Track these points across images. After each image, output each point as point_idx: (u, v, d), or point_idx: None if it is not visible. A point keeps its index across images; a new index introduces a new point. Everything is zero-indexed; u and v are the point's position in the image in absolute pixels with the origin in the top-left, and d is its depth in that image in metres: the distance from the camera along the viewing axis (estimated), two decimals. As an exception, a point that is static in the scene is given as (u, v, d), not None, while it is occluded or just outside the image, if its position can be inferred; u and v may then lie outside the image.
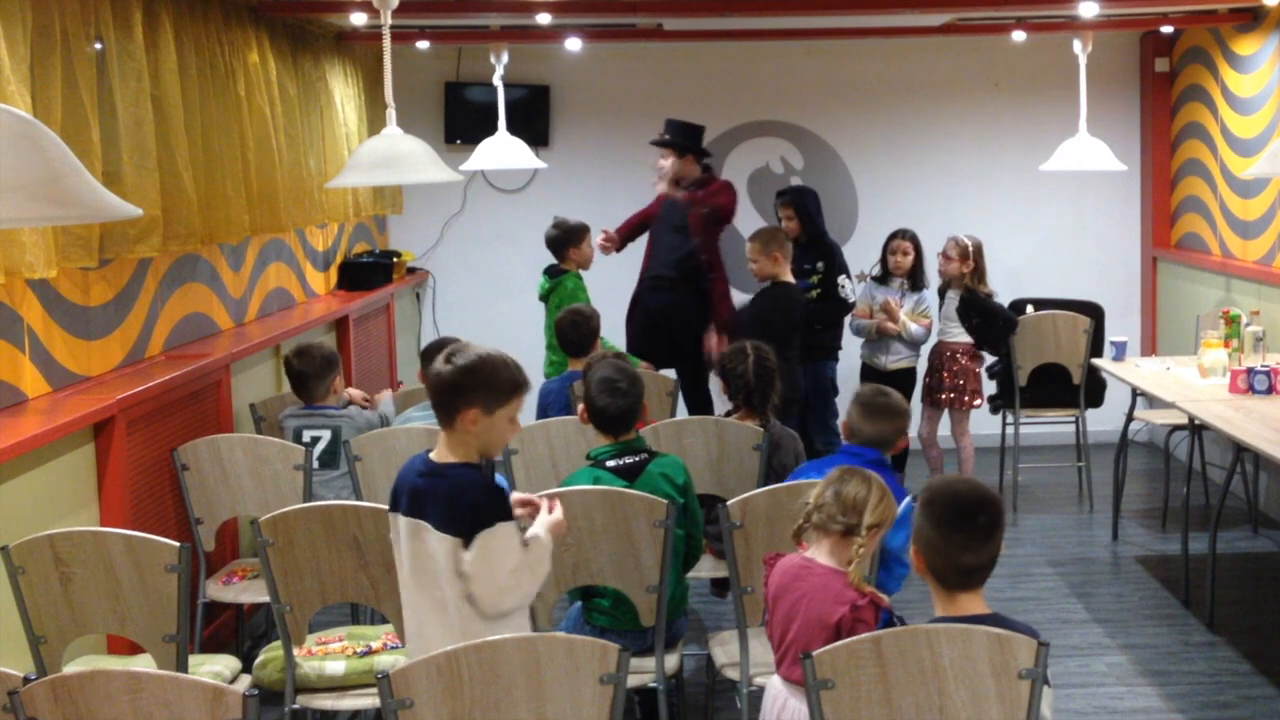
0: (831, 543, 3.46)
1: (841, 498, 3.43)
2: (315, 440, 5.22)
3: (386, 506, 3.90)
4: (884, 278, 7.54)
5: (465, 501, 3.27)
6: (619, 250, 7.43)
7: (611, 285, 7.59)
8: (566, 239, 7.21)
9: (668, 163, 7.23)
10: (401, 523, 3.37)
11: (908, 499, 4.18)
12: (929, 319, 7.49)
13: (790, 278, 6.74)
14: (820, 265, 7.24)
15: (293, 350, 5.58)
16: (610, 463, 4.22)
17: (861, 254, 8.02)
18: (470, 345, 3.38)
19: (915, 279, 7.50)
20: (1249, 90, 7.49)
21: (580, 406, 4.46)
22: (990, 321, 7.37)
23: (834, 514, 3.44)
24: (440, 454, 3.35)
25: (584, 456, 4.73)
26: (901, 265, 7.47)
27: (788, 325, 6.51)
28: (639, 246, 7.45)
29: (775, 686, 3.52)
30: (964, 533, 2.93)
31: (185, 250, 5.33)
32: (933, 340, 7.59)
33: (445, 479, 3.30)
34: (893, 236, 7.56)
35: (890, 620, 3.32)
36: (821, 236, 7.38)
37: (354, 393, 5.71)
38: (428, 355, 5.55)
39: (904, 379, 7.35)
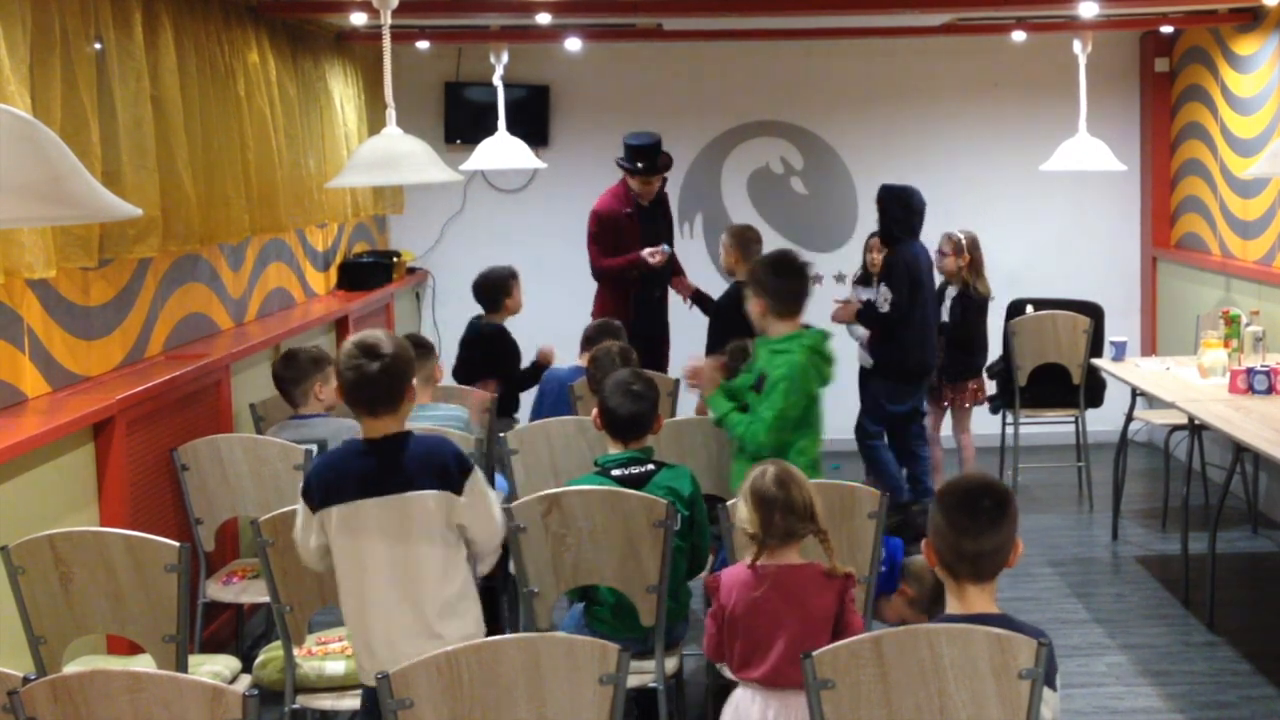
0: (790, 544, 3.56)
1: (795, 509, 3.51)
2: (309, 454, 5.17)
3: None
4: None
5: (443, 456, 3.49)
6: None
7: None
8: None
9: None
10: (367, 506, 3.45)
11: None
12: None
13: None
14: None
15: (282, 354, 5.57)
16: (615, 471, 4.20)
17: (860, 255, 8.03)
18: (377, 330, 3.58)
19: None
20: (1249, 90, 7.50)
21: (594, 410, 4.43)
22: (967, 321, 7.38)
23: (795, 526, 3.52)
24: (376, 431, 3.51)
25: (583, 457, 4.73)
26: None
27: (747, 322, 6.55)
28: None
29: (758, 700, 3.54)
30: (966, 516, 2.93)
31: (185, 250, 5.33)
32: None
33: (416, 444, 3.51)
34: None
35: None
36: (894, 241, 6.94)
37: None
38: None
39: None
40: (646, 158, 7.12)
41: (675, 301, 7.56)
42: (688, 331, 7.34)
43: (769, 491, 3.51)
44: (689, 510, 4.18)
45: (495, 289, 6.75)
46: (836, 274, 8.84)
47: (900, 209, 6.90)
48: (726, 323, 6.63)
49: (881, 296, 6.88)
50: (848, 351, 7.24)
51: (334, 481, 3.49)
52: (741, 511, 3.58)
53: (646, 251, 7.12)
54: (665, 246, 7.26)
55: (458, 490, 3.47)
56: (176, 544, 3.64)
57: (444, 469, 3.47)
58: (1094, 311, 7.60)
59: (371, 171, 4.34)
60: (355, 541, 3.47)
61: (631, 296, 7.21)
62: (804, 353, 4.66)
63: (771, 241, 8.31)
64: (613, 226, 7.22)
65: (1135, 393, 6.77)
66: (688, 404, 6.70)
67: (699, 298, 7.31)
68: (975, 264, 7.42)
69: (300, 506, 3.56)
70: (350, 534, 3.47)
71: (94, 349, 4.87)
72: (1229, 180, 7.81)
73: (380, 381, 3.45)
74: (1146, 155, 8.82)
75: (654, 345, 7.18)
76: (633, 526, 3.95)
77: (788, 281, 4.76)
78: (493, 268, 6.89)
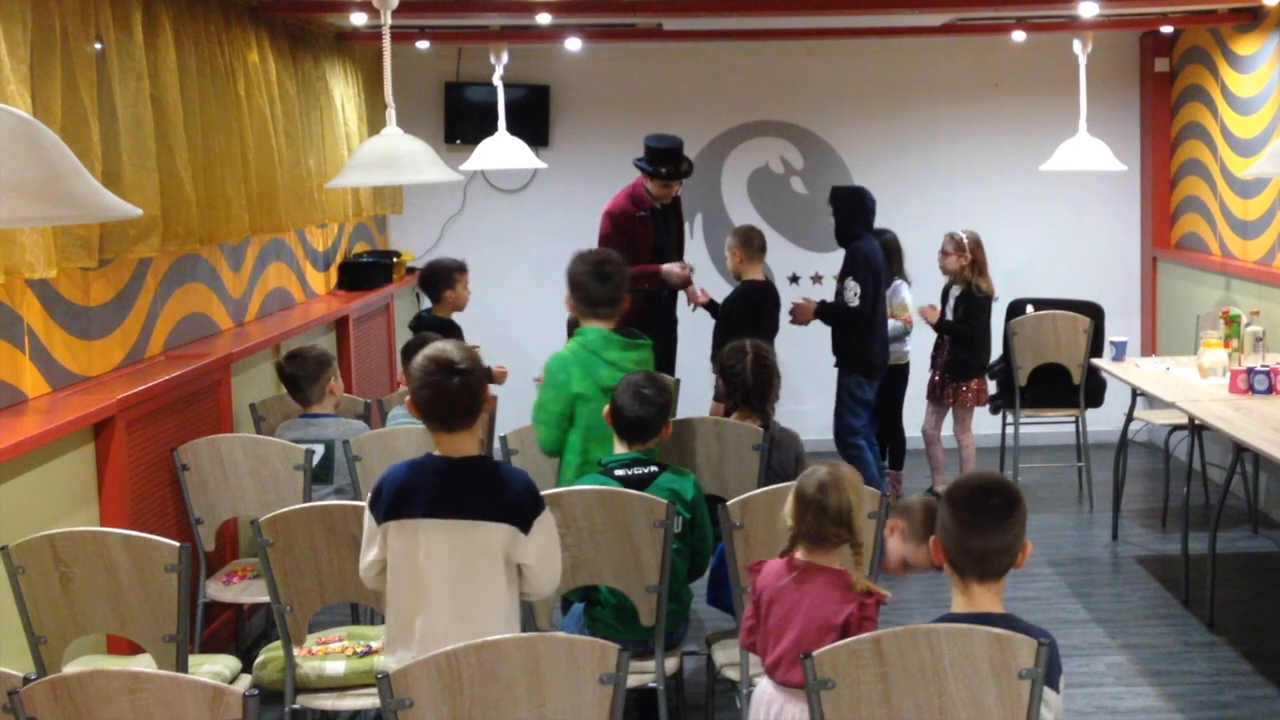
0: (824, 547, 3.50)
1: (828, 513, 3.46)
2: (309, 454, 5.18)
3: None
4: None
5: (518, 490, 3.44)
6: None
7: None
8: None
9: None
10: (430, 526, 3.38)
11: None
12: (907, 313, 7.50)
13: (757, 276, 6.91)
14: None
15: (285, 355, 5.57)
16: (619, 472, 4.20)
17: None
18: (446, 344, 3.48)
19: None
20: (1249, 90, 7.49)
21: (605, 408, 4.43)
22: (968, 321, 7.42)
23: (826, 530, 3.47)
24: (452, 448, 3.44)
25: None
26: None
27: (751, 322, 6.58)
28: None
29: (768, 691, 3.52)
30: (973, 513, 2.93)
31: (185, 250, 5.33)
32: (934, 337, 7.61)
33: (494, 472, 3.46)
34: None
35: None
36: (849, 238, 7.07)
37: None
38: (408, 353, 5.50)
39: (896, 375, 7.39)
40: (670, 162, 7.02)
41: (682, 302, 7.56)
42: (695, 333, 7.36)
43: (807, 491, 3.49)
44: (690, 514, 4.18)
45: (436, 280, 6.68)
46: (837, 274, 8.79)
47: (854, 207, 7.02)
48: (733, 324, 6.64)
49: (850, 291, 6.95)
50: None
51: (402, 496, 3.42)
52: (787, 503, 3.57)
53: (668, 267, 7.08)
54: (691, 265, 7.22)
55: (525, 528, 3.41)
56: (176, 544, 3.64)
57: (516, 503, 3.41)
58: (1094, 311, 7.60)
59: (371, 171, 4.34)
60: (413, 558, 3.41)
61: (641, 298, 7.17)
62: (573, 348, 4.72)
63: (773, 241, 8.33)
64: (625, 228, 7.16)
65: (1135, 393, 6.77)
66: (689, 404, 6.70)
67: (709, 306, 7.28)
68: (978, 263, 7.43)
69: (366, 516, 3.49)
70: (409, 550, 3.41)
71: (94, 349, 4.87)
72: (1229, 180, 7.81)
73: (460, 396, 3.38)
74: (1146, 155, 8.82)
75: (662, 346, 7.15)
76: (633, 527, 3.95)
77: (588, 283, 4.80)
78: (439, 258, 6.85)
